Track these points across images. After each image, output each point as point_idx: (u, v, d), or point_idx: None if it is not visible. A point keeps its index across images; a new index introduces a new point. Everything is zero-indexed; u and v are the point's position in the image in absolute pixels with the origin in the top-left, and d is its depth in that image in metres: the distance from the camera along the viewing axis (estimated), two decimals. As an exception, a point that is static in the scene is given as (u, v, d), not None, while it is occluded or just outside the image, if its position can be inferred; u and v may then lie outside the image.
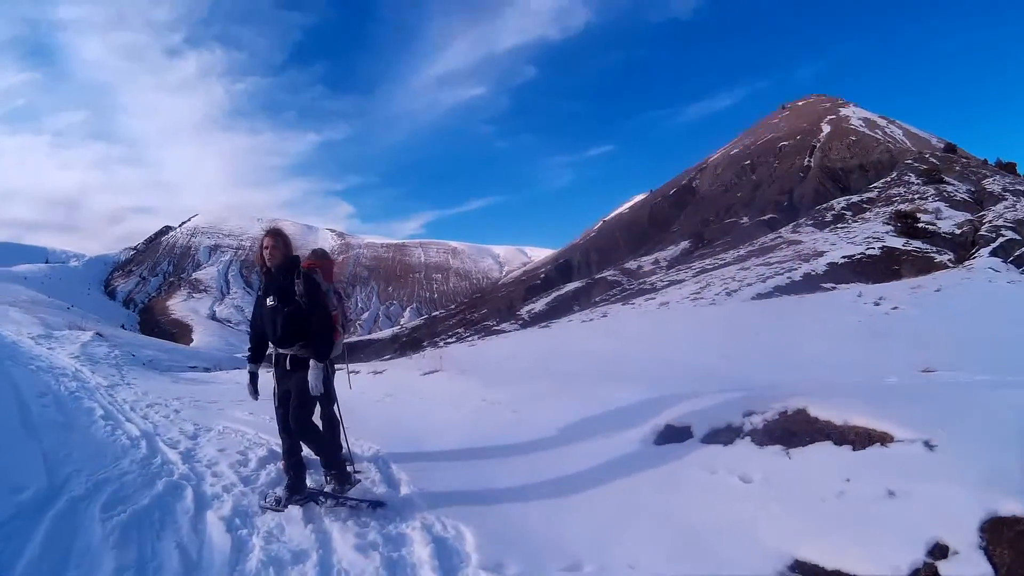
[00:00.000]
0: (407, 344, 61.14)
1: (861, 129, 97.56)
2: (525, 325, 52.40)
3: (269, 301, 5.84)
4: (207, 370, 26.71)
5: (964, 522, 3.61)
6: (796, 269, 31.97)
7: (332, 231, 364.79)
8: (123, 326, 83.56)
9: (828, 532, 4.11)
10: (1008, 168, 66.82)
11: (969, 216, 36.77)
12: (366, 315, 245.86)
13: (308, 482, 6.06)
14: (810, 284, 28.67)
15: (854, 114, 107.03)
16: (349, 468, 6.52)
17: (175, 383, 15.59)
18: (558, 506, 5.54)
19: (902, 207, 41.43)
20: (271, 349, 6.12)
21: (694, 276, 43.03)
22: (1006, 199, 40.26)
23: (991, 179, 49.23)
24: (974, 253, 28.36)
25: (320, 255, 7.16)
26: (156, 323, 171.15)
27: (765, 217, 75.77)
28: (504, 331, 49.84)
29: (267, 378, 6.17)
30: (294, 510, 5.59)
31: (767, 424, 5.71)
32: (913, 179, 53.76)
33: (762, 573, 4.07)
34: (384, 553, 4.82)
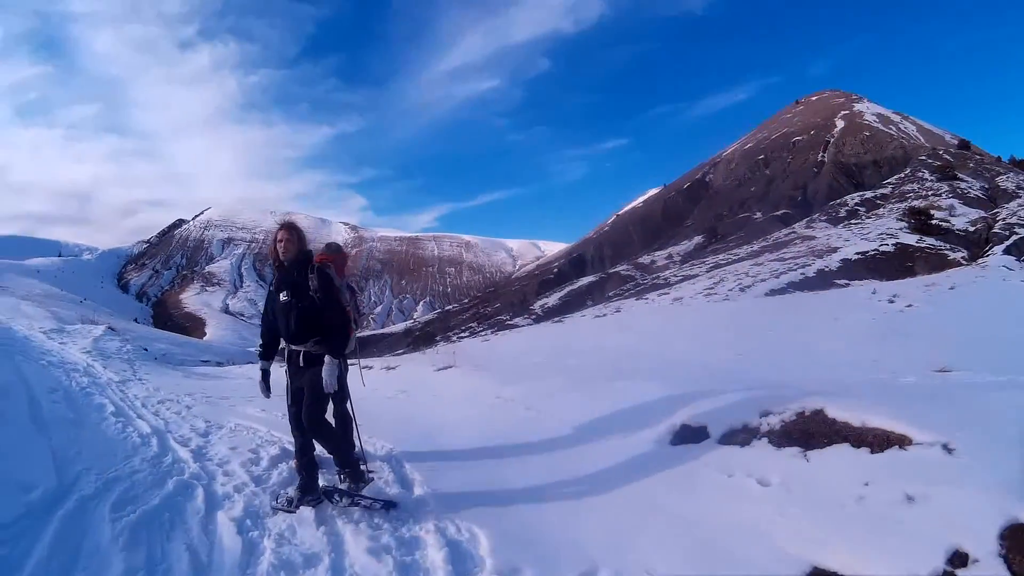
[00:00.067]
0: (420, 338, 61.24)
1: (875, 125, 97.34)
2: (538, 320, 52.46)
3: (282, 296, 5.76)
4: (220, 364, 26.73)
5: (983, 529, 3.54)
6: (810, 265, 31.83)
7: (345, 224, 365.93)
8: (136, 319, 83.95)
9: (847, 538, 4.03)
10: (1022, 165, 66.42)
11: (983, 213, 36.50)
12: (379, 309, 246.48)
13: (320, 481, 5.98)
14: (824, 280, 28.58)
15: (868, 110, 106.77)
16: (362, 467, 6.44)
17: (187, 378, 15.59)
18: (574, 508, 5.46)
19: (916, 204, 41.16)
20: (283, 345, 6.05)
21: (707, 271, 42.94)
22: (1020, 196, 39.96)
23: (1005, 176, 48.88)
24: (988, 251, 28.05)
25: (334, 249, 7.10)
26: (169, 316, 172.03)
27: (778, 212, 75.69)
28: (517, 326, 49.93)
29: (279, 374, 6.10)
30: (306, 511, 5.51)
31: (784, 425, 5.61)
32: (927, 175, 53.49)
33: (780, 579, 3.98)
34: (397, 557, 4.73)
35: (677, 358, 11.97)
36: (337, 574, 4.57)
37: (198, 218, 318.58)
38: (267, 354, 6.21)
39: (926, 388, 6.67)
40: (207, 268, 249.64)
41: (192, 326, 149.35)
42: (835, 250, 34.33)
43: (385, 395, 11.17)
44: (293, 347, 5.89)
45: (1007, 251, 25.66)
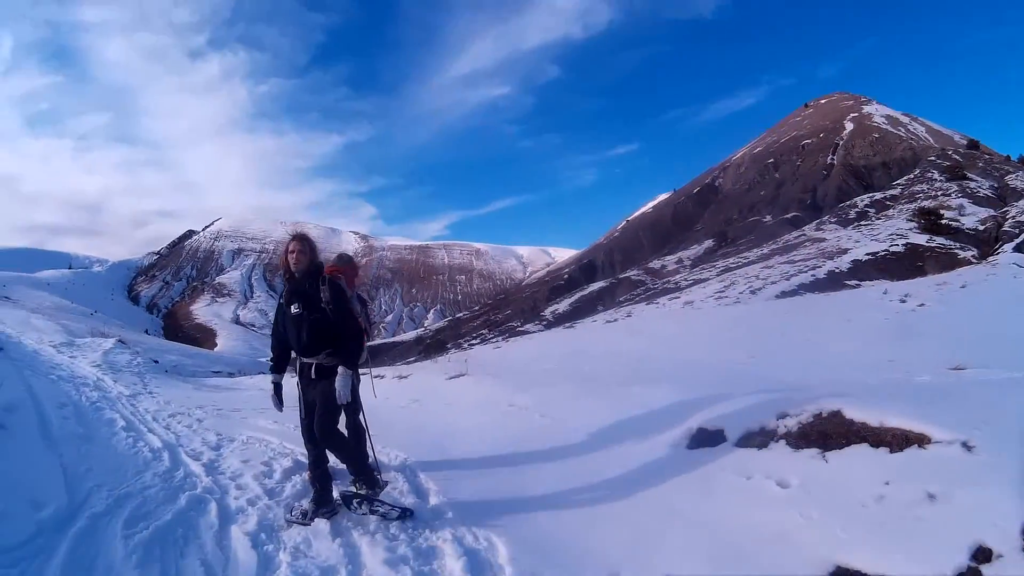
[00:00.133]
0: (431, 346, 61.34)
1: (884, 127, 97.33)
2: (549, 326, 52.45)
3: (293, 309, 5.71)
4: (231, 375, 26.78)
5: (1006, 525, 3.53)
6: (820, 267, 31.78)
7: (355, 233, 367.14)
8: (147, 331, 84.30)
9: (870, 538, 4.01)
10: (1031, 164, 66.27)
11: (992, 212, 36.45)
12: (390, 317, 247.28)
13: (335, 493, 5.92)
14: (835, 282, 28.57)
15: (877, 112, 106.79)
16: (377, 475, 6.38)
17: (198, 391, 15.58)
18: (592, 514, 5.43)
19: (925, 204, 41.14)
20: (294, 356, 5.98)
21: (718, 275, 42.91)
22: (1029, 195, 39.93)
23: (1014, 175, 48.88)
24: (997, 249, 27.97)
25: (345, 261, 7.08)
26: (180, 328, 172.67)
27: (788, 215, 75.62)
28: (528, 332, 49.94)
29: (291, 386, 6.04)
30: (321, 523, 5.45)
31: (802, 427, 5.57)
32: (936, 176, 53.45)
33: (804, 581, 3.94)
34: (415, 567, 4.67)
35: (691, 361, 11.96)
36: (354, 587, 4.50)
37: (208, 229, 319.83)
38: (279, 367, 6.13)
39: (942, 387, 6.64)
40: (217, 279, 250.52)
41: (203, 337, 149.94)
42: (845, 251, 34.26)
43: (398, 404, 11.13)
44: (305, 360, 5.83)
45: (1017, 249, 25.56)
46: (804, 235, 49.27)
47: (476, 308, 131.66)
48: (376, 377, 11.20)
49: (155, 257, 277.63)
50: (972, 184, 46.05)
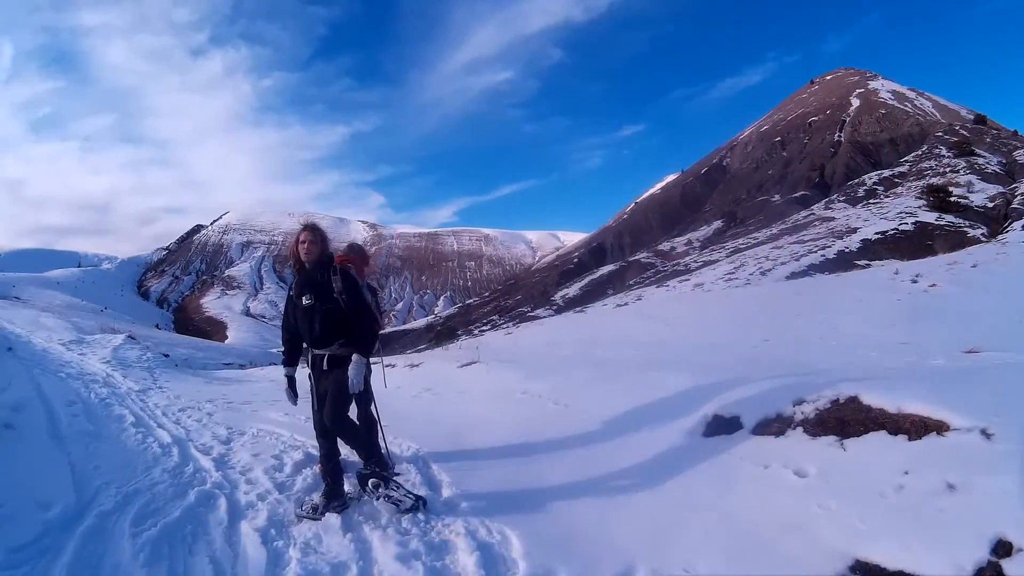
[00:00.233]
0: (442, 333, 61.46)
1: (890, 102, 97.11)
2: (559, 310, 52.56)
3: (304, 300, 5.63)
4: (242, 367, 26.79)
5: None
6: (830, 247, 31.81)
7: (364, 223, 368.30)
8: (158, 326, 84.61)
9: (889, 529, 3.93)
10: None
11: (1001, 189, 36.36)
12: (400, 305, 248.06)
13: (346, 486, 5.85)
14: (844, 261, 28.60)
15: (883, 87, 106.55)
16: (390, 465, 6.31)
17: (208, 384, 15.51)
18: (607, 505, 5.35)
19: (934, 181, 41.14)
20: (306, 348, 5.91)
21: (727, 256, 42.88)
22: (1038, 170, 39.80)
23: (1022, 150, 48.61)
24: (1007, 227, 27.91)
25: (357, 250, 7.04)
26: (190, 321, 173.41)
27: (797, 194, 75.52)
28: (539, 317, 50.07)
29: (303, 377, 5.97)
30: (332, 518, 5.36)
31: (819, 413, 5.49)
32: (944, 152, 53.38)
33: (823, 574, 3.90)
34: (427, 562, 4.58)
35: (704, 345, 11.94)
36: (366, 583, 4.44)
37: (216, 223, 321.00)
38: (291, 360, 6.06)
39: (958, 370, 6.61)
40: (227, 272, 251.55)
41: (213, 330, 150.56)
42: (855, 230, 34.21)
43: (410, 394, 11.07)
44: (316, 351, 5.74)
45: (1027, 226, 25.47)
46: (813, 214, 49.24)
47: (486, 294, 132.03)
48: (387, 366, 11.14)
49: (164, 252, 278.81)
50: (980, 160, 45.92)
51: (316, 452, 6.48)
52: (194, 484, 6.29)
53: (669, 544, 4.55)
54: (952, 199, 34.06)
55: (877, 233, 31.91)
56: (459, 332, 56.78)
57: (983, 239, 27.86)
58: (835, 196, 55.99)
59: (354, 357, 5.50)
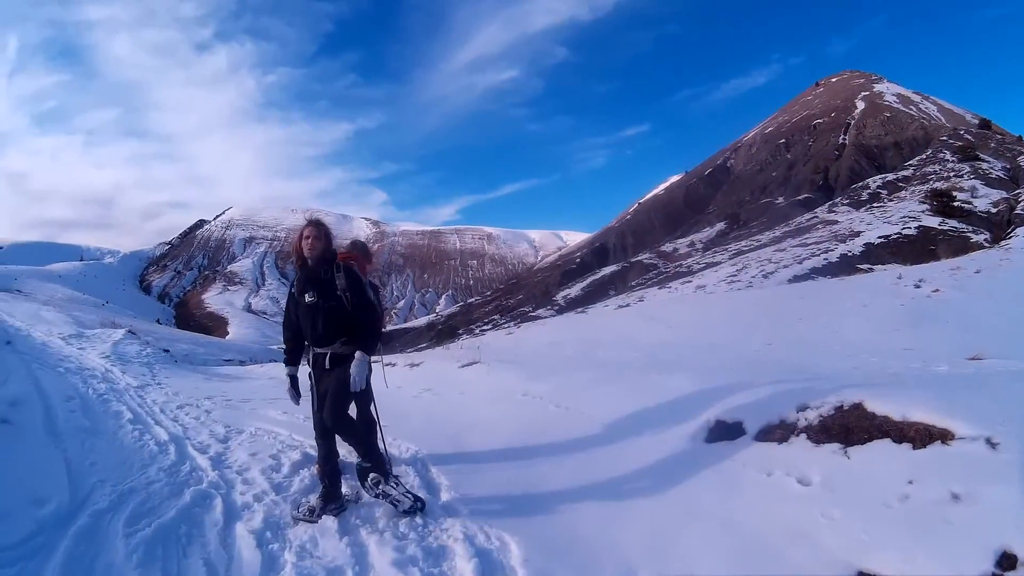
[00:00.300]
0: (443, 332, 61.51)
1: (895, 105, 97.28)
2: (561, 311, 52.57)
3: (307, 298, 5.54)
4: (242, 363, 26.78)
5: None
6: (833, 250, 31.89)
7: (367, 220, 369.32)
8: (159, 321, 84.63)
9: (893, 540, 3.87)
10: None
11: (1005, 194, 36.44)
12: (401, 303, 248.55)
13: (344, 488, 5.81)
14: (847, 265, 28.68)
15: (888, 90, 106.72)
16: (388, 467, 6.25)
17: (208, 381, 15.48)
18: (608, 510, 5.29)
19: (938, 185, 41.19)
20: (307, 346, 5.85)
21: (730, 258, 42.91)
22: (1042, 176, 39.84)
23: (1026, 156, 48.71)
24: (1010, 232, 27.89)
25: (360, 248, 7.02)
26: (192, 316, 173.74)
27: (800, 197, 75.66)
28: (540, 317, 50.11)
29: (305, 375, 5.90)
30: (329, 521, 5.31)
31: (822, 420, 5.42)
32: (948, 156, 53.49)
33: (827, 585, 3.83)
34: (424, 569, 4.53)
35: (707, 347, 11.93)
36: (361, 589, 4.39)
37: (219, 218, 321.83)
38: (293, 359, 5.99)
39: (963, 377, 6.57)
40: (229, 267, 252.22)
41: (214, 325, 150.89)
42: (858, 234, 34.30)
43: (410, 394, 11.01)
44: (318, 350, 5.67)
45: (1030, 232, 25.47)
46: (816, 217, 49.32)
47: (488, 293, 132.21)
48: (388, 365, 11.09)
49: (166, 247, 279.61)
50: (984, 165, 46.02)
51: (314, 452, 6.45)
52: (190, 483, 6.24)
53: (670, 550, 4.51)
54: (956, 204, 34.11)
55: (880, 237, 31.97)
56: (460, 331, 56.83)
57: (986, 244, 27.92)
58: (839, 199, 56.08)
59: (357, 355, 5.43)
